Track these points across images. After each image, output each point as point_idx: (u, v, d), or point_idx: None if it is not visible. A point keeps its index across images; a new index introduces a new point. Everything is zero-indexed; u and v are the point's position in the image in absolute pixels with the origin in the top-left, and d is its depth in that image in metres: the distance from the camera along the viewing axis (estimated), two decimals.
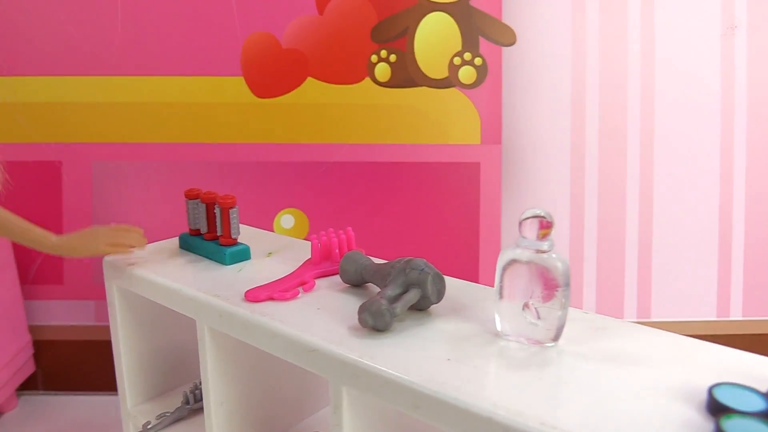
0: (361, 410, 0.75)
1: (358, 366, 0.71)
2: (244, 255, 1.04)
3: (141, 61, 1.72)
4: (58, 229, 1.74)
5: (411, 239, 1.76)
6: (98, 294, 1.73)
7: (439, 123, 1.75)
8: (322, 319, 0.81)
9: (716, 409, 0.59)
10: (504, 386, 0.65)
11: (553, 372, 0.68)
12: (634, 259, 1.80)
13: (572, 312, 0.75)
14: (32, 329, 1.80)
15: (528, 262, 0.71)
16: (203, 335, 0.91)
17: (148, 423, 1.09)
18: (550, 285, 0.70)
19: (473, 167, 1.74)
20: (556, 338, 0.73)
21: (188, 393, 1.13)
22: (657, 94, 1.75)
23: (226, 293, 0.90)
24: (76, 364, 1.82)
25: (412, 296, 0.79)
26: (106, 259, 1.09)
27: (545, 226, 0.70)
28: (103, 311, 1.81)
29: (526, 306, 0.73)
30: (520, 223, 0.71)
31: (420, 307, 0.82)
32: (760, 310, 1.80)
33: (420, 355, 0.71)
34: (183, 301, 0.94)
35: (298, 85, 1.72)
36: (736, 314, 1.80)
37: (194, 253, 1.09)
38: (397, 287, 0.80)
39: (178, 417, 1.11)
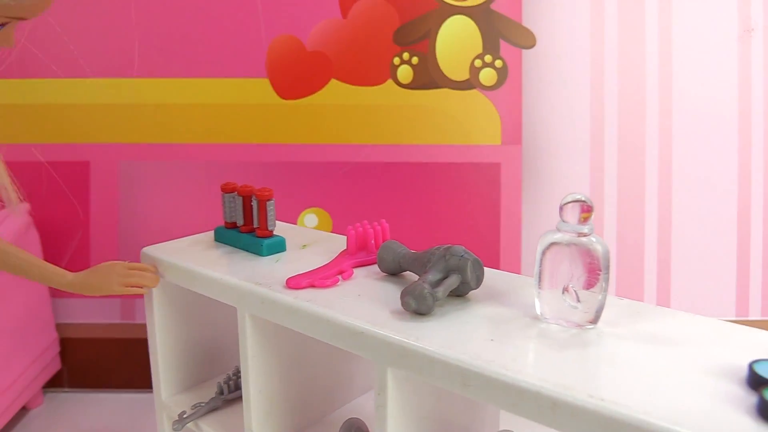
0: (406, 392, 0.78)
1: (404, 346, 0.73)
2: (280, 246, 1.07)
3: (167, 64, 1.75)
4: (85, 227, 1.78)
5: (432, 238, 1.78)
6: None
7: (460, 124, 1.77)
8: (364, 305, 0.83)
9: (757, 382, 0.61)
10: (548, 363, 0.67)
11: (595, 351, 0.70)
12: (653, 257, 1.81)
13: (607, 298, 0.77)
14: (58, 327, 1.83)
15: (569, 245, 0.73)
16: (244, 323, 0.93)
17: (184, 413, 1.11)
18: (591, 268, 0.73)
19: (494, 168, 1.77)
20: (595, 321, 0.75)
21: (222, 383, 1.15)
22: (675, 95, 1.78)
23: (266, 281, 0.93)
24: (101, 361, 1.85)
25: (453, 281, 0.81)
26: (144, 250, 1.12)
27: (586, 209, 0.72)
28: (128, 309, 1.84)
29: (566, 290, 0.75)
30: (561, 208, 0.74)
31: (459, 293, 0.84)
32: None
33: (463, 337, 0.73)
34: (224, 290, 0.96)
35: (322, 87, 1.75)
36: (755, 314, 1.81)
37: (230, 245, 1.12)
38: (437, 273, 0.82)
39: (213, 407, 1.13)
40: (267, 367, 0.97)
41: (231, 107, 1.77)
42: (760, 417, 0.56)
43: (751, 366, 0.62)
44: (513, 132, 1.77)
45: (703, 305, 1.82)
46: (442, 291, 0.79)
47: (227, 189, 1.12)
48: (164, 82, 1.76)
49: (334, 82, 1.76)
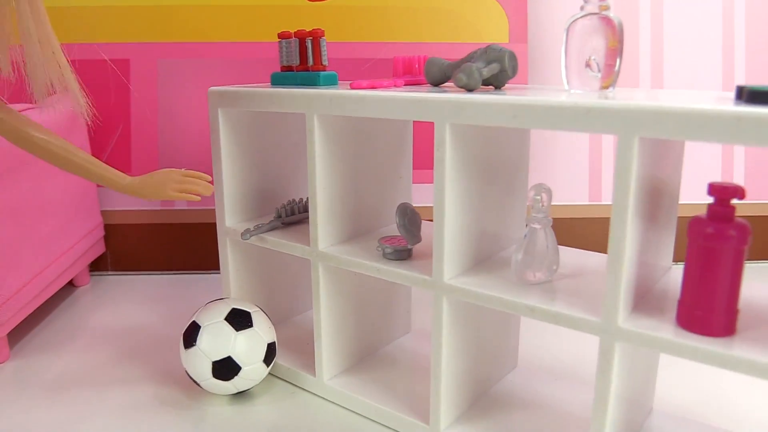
0: (459, 145, 0.95)
1: (459, 101, 0.91)
2: (333, 79, 1.23)
3: None
4: (126, 122, 1.93)
5: None
6: None
7: (471, 24, 1.95)
8: (420, 92, 1.01)
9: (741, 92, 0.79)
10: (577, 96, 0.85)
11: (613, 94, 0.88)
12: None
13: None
14: (103, 214, 1.98)
15: (590, 17, 0.91)
16: (312, 125, 1.10)
17: (249, 229, 1.28)
18: (611, 37, 0.90)
19: None
20: (613, 84, 0.93)
21: (280, 209, 1.32)
22: None
23: (328, 93, 1.09)
24: (142, 246, 2.01)
25: (494, 67, 0.99)
26: (212, 89, 1.27)
27: None
28: None
29: (587, 64, 0.93)
30: None
31: (498, 83, 1.01)
32: None
33: (506, 95, 0.91)
34: (292, 99, 1.13)
35: None
36: None
37: (287, 84, 1.28)
38: (481, 63, 1.00)
39: (273, 227, 1.30)
40: (331, 167, 1.14)
41: (262, 8, 1.92)
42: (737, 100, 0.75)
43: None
44: (519, 31, 1.95)
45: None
46: (486, 70, 0.97)
47: (284, 35, 1.28)
48: None
49: None
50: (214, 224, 1.99)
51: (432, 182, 2.03)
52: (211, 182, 1.10)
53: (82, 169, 1.09)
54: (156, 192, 1.11)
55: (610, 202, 2.08)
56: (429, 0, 1.93)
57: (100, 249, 1.97)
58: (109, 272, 2.03)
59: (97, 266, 2.01)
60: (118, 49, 1.93)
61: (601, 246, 2.04)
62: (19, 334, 1.58)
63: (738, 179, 2.04)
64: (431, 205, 1.91)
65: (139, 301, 1.82)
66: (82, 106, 1.09)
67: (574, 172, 2.06)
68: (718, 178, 2.06)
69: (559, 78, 1.98)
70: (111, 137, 1.96)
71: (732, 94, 0.89)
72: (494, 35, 1.95)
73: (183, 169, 1.14)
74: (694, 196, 2.00)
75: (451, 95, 0.92)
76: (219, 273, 2.04)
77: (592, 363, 1.38)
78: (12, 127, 1.02)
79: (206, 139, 1.98)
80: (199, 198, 1.13)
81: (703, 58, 2.00)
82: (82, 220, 1.84)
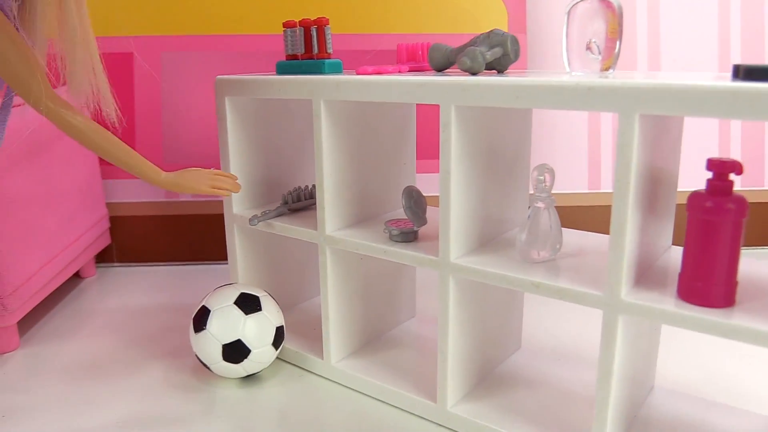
0: (464, 126, 0.97)
1: (464, 83, 0.93)
2: (338, 67, 1.25)
3: None
4: (130, 115, 1.95)
5: None
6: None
7: (471, 15, 1.97)
8: (424, 77, 1.03)
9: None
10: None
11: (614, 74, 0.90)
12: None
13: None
14: (108, 206, 2.00)
15: (591, 1, 0.93)
16: (319, 110, 1.12)
17: (256, 215, 1.30)
18: (611, 20, 0.93)
19: None
20: (614, 66, 0.95)
21: (286, 195, 1.34)
22: None
23: (335, 79, 1.12)
24: (147, 237, 2.03)
25: (497, 51, 1.01)
26: (219, 77, 1.30)
27: None
28: None
29: (588, 47, 0.96)
30: None
31: (501, 67, 1.04)
32: None
33: (509, 77, 0.93)
34: (298, 86, 1.15)
35: None
36: None
37: (292, 73, 1.30)
38: (484, 47, 1.02)
39: (280, 213, 1.32)
40: (337, 152, 1.16)
41: (265, 0, 1.94)
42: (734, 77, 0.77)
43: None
44: (518, 22, 1.97)
45: None
46: (490, 54, 0.99)
47: (288, 25, 1.30)
48: None
49: None
50: (219, 215, 2.02)
51: (434, 172, 2.05)
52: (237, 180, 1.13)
53: (121, 161, 1.09)
54: (192, 187, 1.14)
55: (609, 190, 2.11)
56: None
57: (106, 240, 1.99)
58: (115, 264, 2.05)
59: (103, 258, 2.03)
60: (122, 43, 1.95)
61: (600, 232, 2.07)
62: (28, 323, 1.60)
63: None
64: (434, 194, 1.94)
65: (146, 291, 1.84)
66: (112, 111, 1.10)
67: (574, 160, 2.09)
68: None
69: (557, 66, 2.01)
70: (115, 129, 1.98)
71: (729, 74, 0.92)
72: (494, 25, 1.97)
73: (212, 169, 1.18)
74: (691, 184, 2.03)
75: (456, 78, 0.94)
76: (224, 264, 2.06)
77: (593, 343, 1.40)
78: (62, 118, 1.00)
79: (211, 132, 2.00)
80: (229, 194, 1.18)
81: (700, 41, 2.02)
82: (87, 211, 1.86)
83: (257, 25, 1.96)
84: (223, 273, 1.99)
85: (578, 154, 2.08)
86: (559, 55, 2.04)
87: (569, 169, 2.09)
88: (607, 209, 2.08)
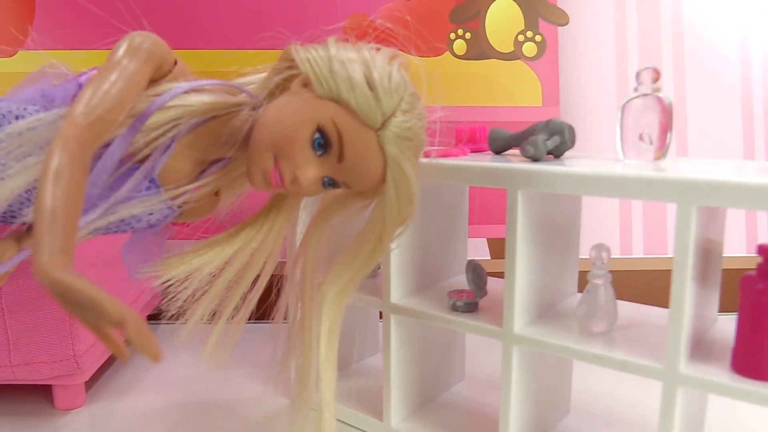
0: (528, 211, 1.07)
1: (529, 170, 1.03)
2: None
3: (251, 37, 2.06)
4: None
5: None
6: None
7: (507, 89, 2.09)
8: (490, 160, 1.13)
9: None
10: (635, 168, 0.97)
11: (667, 165, 1.00)
12: None
13: None
14: None
15: (645, 99, 1.04)
16: None
17: None
18: (662, 113, 1.03)
19: None
20: (665, 156, 1.05)
21: None
22: (687, 54, 2.12)
23: None
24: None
25: (556, 139, 1.11)
26: None
27: (657, 73, 1.03)
28: None
29: (641, 137, 1.06)
30: (638, 74, 1.04)
31: (558, 152, 1.14)
32: None
33: (568, 167, 1.03)
34: None
35: None
36: None
37: None
38: (544, 135, 1.12)
39: None
40: None
41: None
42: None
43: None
44: (551, 95, 2.09)
45: None
46: (550, 142, 1.09)
47: None
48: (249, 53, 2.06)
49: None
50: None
51: (475, 237, 2.14)
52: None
53: (39, 212, 0.72)
54: (99, 305, 0.68)
55: (641, 255, 2.19)
56: (469, 67, 2.09)
57: (158, 298, 2.07)
58: (163, 321, 2.13)
59: (152, 317, 2.11)
60: None
61: (633, 296, 2.14)
62: (92, 380, 1.67)
63: (762, 237, 2.16)
64: (477, 257, 2.02)
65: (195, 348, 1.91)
66: None
67: (607, 227, 2.18)
68: (743, 236, 2.17)
69: (590, 135, 2.12)
70: None
71: None
72: (528, 99, 2.09)
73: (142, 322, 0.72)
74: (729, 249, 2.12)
75: (522, 165, 1.04)
76: (275, 322, 2.13)
77: (639, 407, 1.46)
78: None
79: None
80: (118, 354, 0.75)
81: (724, 126, 2.14)
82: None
83: None
84: (267, 331, 2.06)
85: (611, 220, 2.18)
86: (590, 124, 2.16)
87: (602, 236, 2.18)
88: (638, 274, 2.15)
